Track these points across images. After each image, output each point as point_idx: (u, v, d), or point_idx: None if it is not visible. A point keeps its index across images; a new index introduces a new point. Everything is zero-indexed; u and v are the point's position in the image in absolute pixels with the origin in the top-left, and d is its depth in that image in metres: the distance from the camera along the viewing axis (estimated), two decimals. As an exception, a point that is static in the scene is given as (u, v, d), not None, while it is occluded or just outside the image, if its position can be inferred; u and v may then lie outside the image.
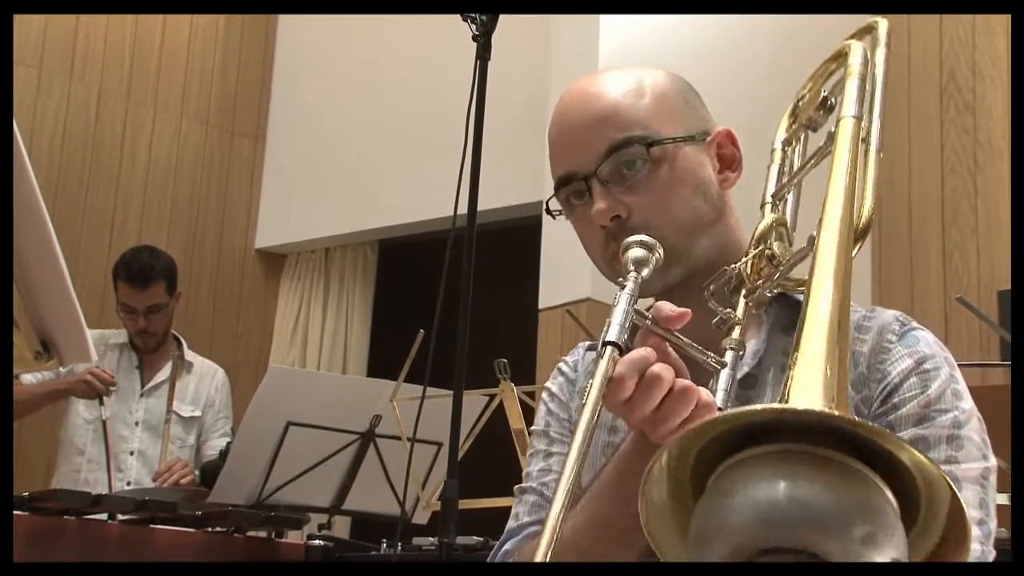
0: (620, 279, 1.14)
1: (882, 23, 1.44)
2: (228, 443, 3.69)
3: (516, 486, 1.46)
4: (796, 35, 4.37)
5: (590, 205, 1.33)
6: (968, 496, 1.23)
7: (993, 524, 1.24)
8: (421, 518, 3.38)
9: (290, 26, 6.17)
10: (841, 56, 1.40)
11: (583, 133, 1.34)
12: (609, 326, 1.06)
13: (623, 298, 1.10)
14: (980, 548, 1.21)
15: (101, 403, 3.80)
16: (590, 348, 1.51)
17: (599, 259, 1.37)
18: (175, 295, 4.03)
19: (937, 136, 4.76)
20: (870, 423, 0.86)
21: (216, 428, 4.09)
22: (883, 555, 0.82)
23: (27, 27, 5.18)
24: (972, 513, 1.22)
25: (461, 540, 2.66)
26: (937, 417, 1.24)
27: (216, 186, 5.91)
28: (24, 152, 0.81)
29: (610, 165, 1.32)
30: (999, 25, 4.67)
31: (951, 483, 0.83)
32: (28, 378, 3.85)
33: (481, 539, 2.81)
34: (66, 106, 5.40)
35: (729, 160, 1.40)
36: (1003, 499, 2.30)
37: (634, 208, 1.31)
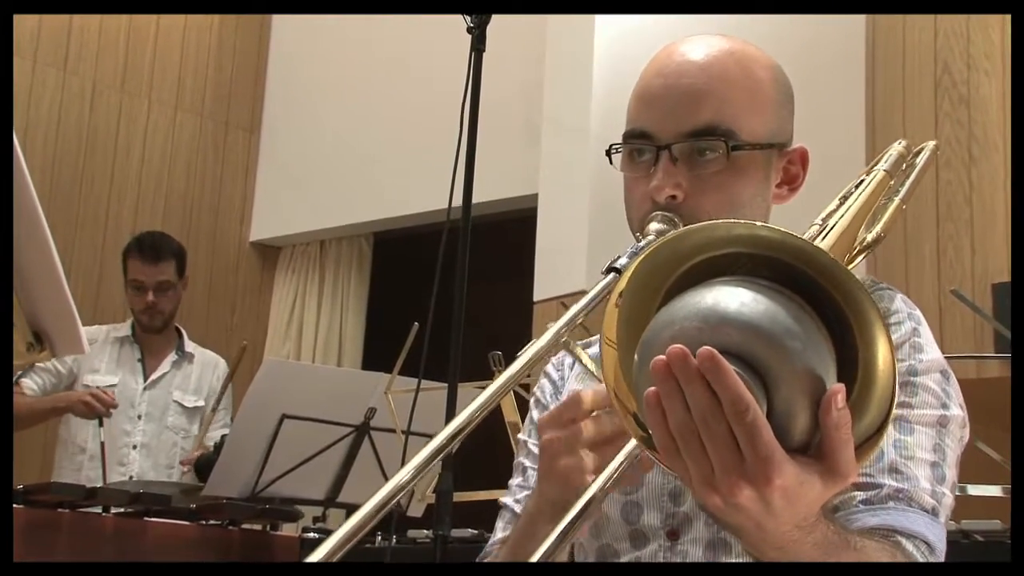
0: (638, 234, 1.28)
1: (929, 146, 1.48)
2: (223, 436, 3.69)
3: (500, 499, 1.47)
4: (794, 35, 4.37)
5: (651, 169, 1.33)
6: (920, 439, 1.24)
7: (949, 471, 1.25)
8: (416, 511, 3.38)
9: (284, 19, 6.16)
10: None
11: (675, 103, 1.33)
12: (619, 257, 1.14)
13: (642, 244, 1.21)
14: (931, 487, 1.22)
15: (100, 424, 3.77)
16: (587, 346, 1.52)
17: (634, 219, 1.37)
18: (183, 280, 4.05)
19: (932, 129, 4.75)
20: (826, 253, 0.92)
21: (216, 420, 4.09)
22: (807, 375, 0.89)
23: (22, 19, 5.16)
24: (924, 456, 1.23)
25: (456, 533, 2.66)
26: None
27: (211, 178, 5.91)
28: (16, 143, 0.81)
29: (687, 146, 1.32)
30: (994, 19, 4.66)
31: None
32: (28, 383, 3.85)
33: (476, 532, 2.81)
34: (60, 98, 5.39)
35: (792, 178, 1.40)
36: (998, 491, 2.31)
37: (690, 195, 1.31)
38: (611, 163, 1.39)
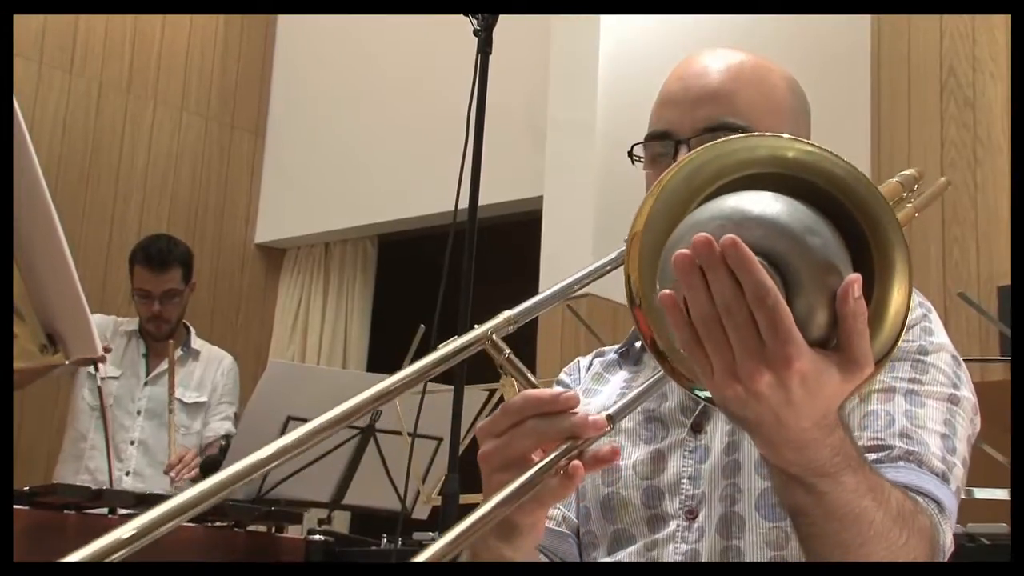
0: None
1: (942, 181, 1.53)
2: (227, 435, 3.68)
3: None
4: (799, 37, 4.36)
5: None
6: (931, 412, 1.26)
7: (960, 445, 1.26)
8: (421, 513, 3.38)
9: (290, 21, 6.16)
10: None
11: (693, 101, 1.38)
12: None
13: None
14: (941, 454, 1.23)
15: (96, 369, 3.75)
16: (597, 355, 1.56)
17: None
18: (190, 284, 4.05)
19: (937, 131, 4.75)
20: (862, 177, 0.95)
21: (218, 412, 4.09)
22: (826, 270, 0.92)
23: (27, 21, 5.17)
24: (934, 427, 1.25)
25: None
26: (903, 344, 1.25)
27: (216, 181, 5.91)
28: (28, 141, 0.81)
29: (702, 140, 1.33)
30: (999, 20, 4.66)
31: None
32: None
33: (480, 534, 2.80)
34: (66, 100, 5.39)
35: None
36: (1004, 495, 2.30)
37: None
38: (632, 164, 1.43)
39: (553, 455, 1.01)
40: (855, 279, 0.91)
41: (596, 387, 1.50)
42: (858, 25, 4.79)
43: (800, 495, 1.05)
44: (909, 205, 1.32)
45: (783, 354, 0.91)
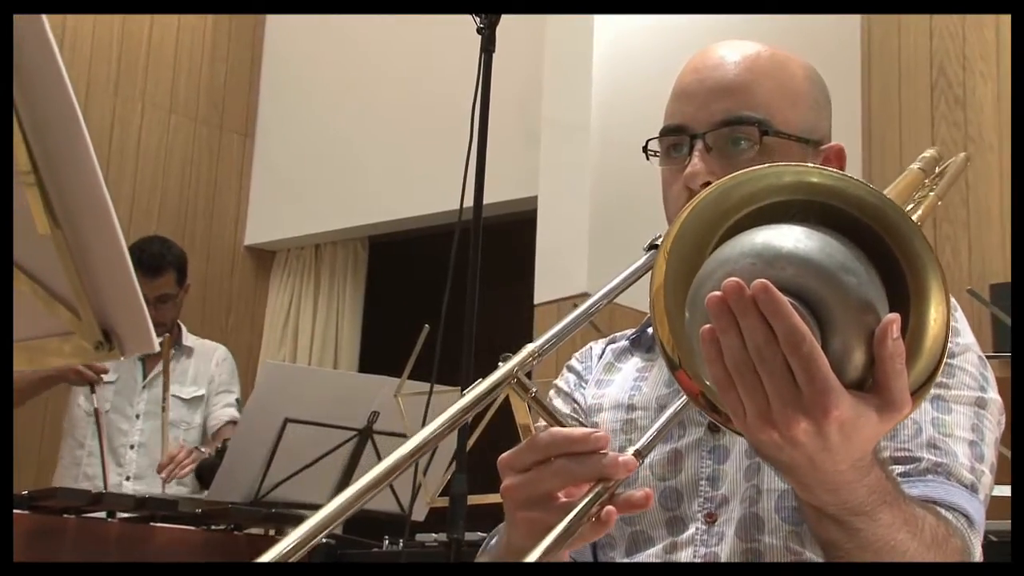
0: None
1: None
2: (232, 420, 3.65)
3: None
4: (789, 37, 4.36)
5: (686, 161, 1.34)
6: (959, 419, 1.24)
7: (988, 451, 1.25)
8: (419, 514, 3.37)
9: (278, 21, 6.14)
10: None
11: (708, 94, 1.35)
12: (659, 235, 1.11)
13: None
14: (969, 464, 1.22)
15: (92, 391, 3.76)
16: (610, 342, 1.52)
17: (672, 212, 1.37)
18: (184, 287, 4.03)
19: (928, 130, 4.77)
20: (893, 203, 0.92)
21: (218, 400, 4.07)
22: (862, 310, 0.89)
23: (14, 22, 5.13)
24: (962, 434, 1.23)
25: (466, 536, 2.64)
26: None
27: (205, 182, 5.88)
28: (85, 130, 0.79)
29: (720, 135, 1.33)
30: (989, 20, 4.68)
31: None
32: None
33: (485, 535, 2.80)
34: (54, 102, 5.35)
35: None
36: (1005, 491, 2.30)
37: None
38: (647, 160, 1.40)
39: (586, 500, 0.98)
40: (893, 320, 0.89)
41: (608, 377, 1.47)
42: (849, 25, 4.80)
43: (834, 531, 1.03)
44: (932, 193, 1.30)
45: (820, 402, 0.89)
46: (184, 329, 4.17)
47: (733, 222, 0.97)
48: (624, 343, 1.50)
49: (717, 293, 0.88)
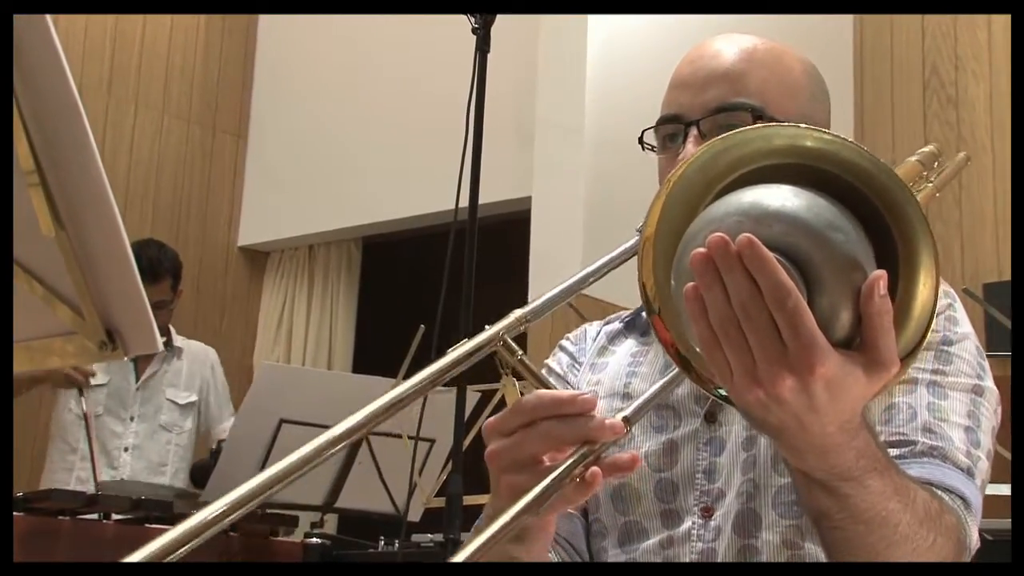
0: None
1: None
2: (220, 443, 3.66)
3: None
4: (781, 36, 4.35)
5: (681, 149, 1.34)
6: (955, 405, 1.24)
7: (984, 437, 1.24)
8: (414, 515, 3.37)
9: (271, 22, 6.13)
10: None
11: (703, 83, 1.35)
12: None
13: None
14: (965, 448, 1.21)
15: (81, 394, 3.75)
16: (605, 324, 1.51)
17: None
18: (177, 292, 4.03)
19: (920, 130, 4.77)
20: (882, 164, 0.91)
21: (223, 414, 4.12)
22: (849, 268, 0.88)
23: (6, 23, 5.12)
24: (958, 420, 1.23)
25: (462, 536, 2.64)
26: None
27: (198, 183, 5.87)
28: (87, 126, 0.79)
29: (714, 121, 1.32)
30: (981, 20, 4.69)
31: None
32: None
33: (481, 535, 2.79)
34: (46, 103, 5.34)
35: None
36: (1007, 490, 2.31)
37: None
38: (643, 150, 1.39)
39: (570, 461, 0.97)
40: (880, 276, 0.88)
41: (602, 360, 1.46)
42: (841, 25, 4.81)
43: (823, 499, 1.02)
44: (929, 185, 1.29)
45: (806, 359, 0.88)
46: (173, 330, 4.17)
47: (725, 184, 0.96)
48: (618, 324, 1.49)
49: (702, 250, 0.88)
